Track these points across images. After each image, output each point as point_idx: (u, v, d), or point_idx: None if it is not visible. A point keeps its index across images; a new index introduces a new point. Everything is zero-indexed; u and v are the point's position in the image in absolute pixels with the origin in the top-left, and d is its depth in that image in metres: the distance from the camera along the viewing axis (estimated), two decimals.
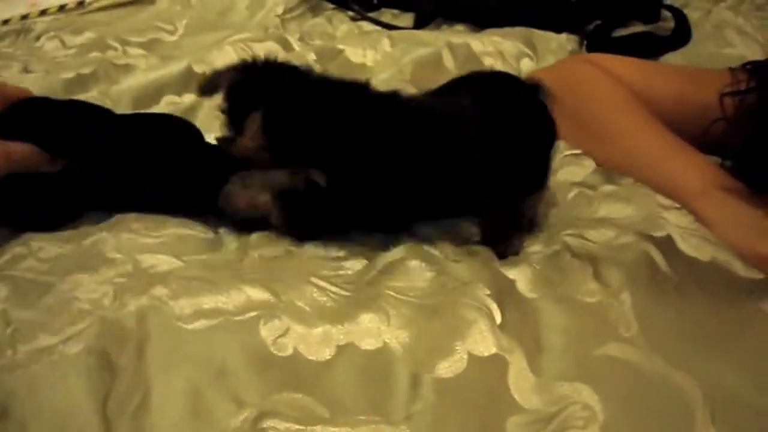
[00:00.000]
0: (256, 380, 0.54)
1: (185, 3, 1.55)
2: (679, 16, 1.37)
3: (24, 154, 0.70)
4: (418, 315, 0.60)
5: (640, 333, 0.61)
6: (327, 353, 0.56)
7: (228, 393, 0.53)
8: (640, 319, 0.62)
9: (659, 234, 0.71)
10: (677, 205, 0.77)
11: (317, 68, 0.94)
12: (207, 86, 0.73)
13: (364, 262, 0.68)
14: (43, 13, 1.48)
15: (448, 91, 0.75)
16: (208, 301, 0.59)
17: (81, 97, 1.04)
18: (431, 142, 0.67)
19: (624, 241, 0.69)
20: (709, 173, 0.82)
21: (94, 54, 1.24)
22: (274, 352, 0.56)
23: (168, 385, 0.54)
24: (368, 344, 0.57)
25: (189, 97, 1.06)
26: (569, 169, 0.85)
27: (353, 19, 1.48)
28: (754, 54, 1.19)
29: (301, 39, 1.26)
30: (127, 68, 1.13)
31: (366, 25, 1.45)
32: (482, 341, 0.58)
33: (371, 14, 1.49)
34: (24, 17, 1.46)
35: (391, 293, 0.62)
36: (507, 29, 1.30)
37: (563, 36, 1.32)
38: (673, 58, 1.28)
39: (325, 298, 0.61)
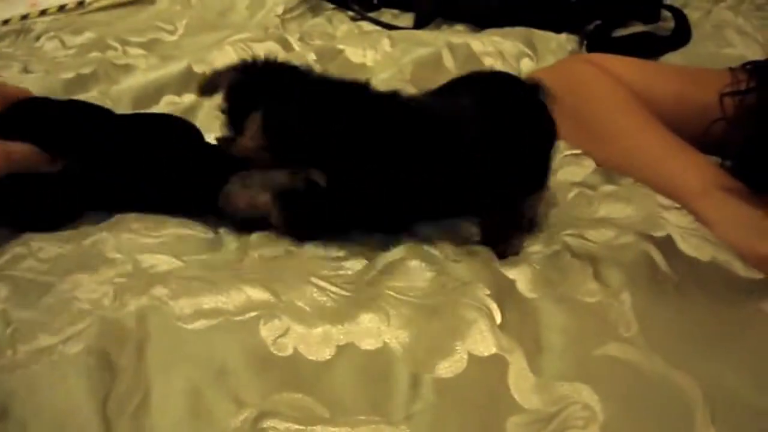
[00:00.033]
0: (256, 380, 0.54)
1: (185, 3, 1.55)
2: (679, 16, 1.37)
3: (24, 154, 0.69)
4: (418, 315, 0.60)
5: (640, 333, 0.61)
6: (327, 353, 0.56)
7: (228, 393, 0.53)
8: (640, 319, 0.62)
9: (659, 234, 0.71)
10: (677, 205, 0.77)
11: (317, 68, 0.94)
12: (207, 86, 0.72)
13: (364, 262, 0.68)
14: (43, 13, 1.48)
15: (448, 91, 0.75)
16: (208, 301, 0.59)
17: (81, 97, 1.04)
18: (431, 142, 0.67)
19: (624, 241, 0.69)
20: (709, 173, 0.82)
21: (94, 54, 1.24)
22: (274, 352, 0.56)
23: (168, 385, 0.54)
24: (368, 344, 0.57)
25: (189, 97, 1.06)
26: (569, 169, 0.85)
27: (353, 19, 1.48)
28: (754, 54, 1.19)
29: (301, 39, 1.26)
30: (127, 68, 1.13)
31: (366, 25, 1.45)
32: (482, 341, 0.58)
33: (371, 14, 1.48)
34: (24, 17, 1.46)
35: (391, 293, 0.62)
36: (507, 29, 1.30)
37: (563, 36, 1.32)
38: (673, 58, 1.28)
39: (325, 298, 0.61)
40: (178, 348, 0.57)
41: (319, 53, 1.16)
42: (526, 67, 1.19)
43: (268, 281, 0.62)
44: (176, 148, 0.76)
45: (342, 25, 1.45)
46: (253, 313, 0.59)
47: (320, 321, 0.58)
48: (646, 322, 0.62)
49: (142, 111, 1.00)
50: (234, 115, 0.70)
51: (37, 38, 1.35)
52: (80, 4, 1.52)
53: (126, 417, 0.52)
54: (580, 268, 0.67)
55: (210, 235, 0.73)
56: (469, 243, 0.71)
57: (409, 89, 0.98)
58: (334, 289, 0.62)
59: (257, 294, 0.60)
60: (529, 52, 1.22)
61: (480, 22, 1.39)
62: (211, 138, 0.78)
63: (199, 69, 1.09)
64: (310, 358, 0.56)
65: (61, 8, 1.50)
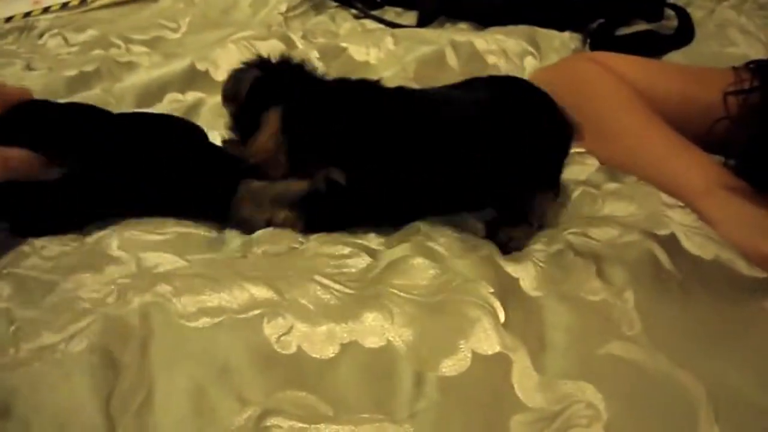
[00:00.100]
0: (259, 378, 0.54)
1: (188, 1, 1.55)
2: (682, 14, 1.37)
3: (22, 160, 0.68)
4: (421, 313, 0.60)
5: (643, 331, 0.61)
6: (330, 351, 0.56)
7: (231, 391, 0.53)
8: (643, 318, 0.62)
9: (663, 232, 0.71)
10: (681, 204, 0.77)
11: (320, 66, 0.94)
12: (230, 93, 0.73)
13: (368, 259, 0.67)
14: (46, 10, 1.48)
15: (465, 89, 0.76)
16: (212, 299, 0.59)
17: (84, 94, 1.04)
18: (449, 138, 0.69)
19: (628, 240, 0.69)
20: (712, 172, 0.82)
21: (97, 52, 1.24)
22: (278, 350, 0.56)
23: (171, 383, 0.54)
24: (372, 342, 0.57)
25: (192, 95, 1.06)
26: (573, 167, 0.85)
27: (356, 17, 1.48)
28: (757, 53, 1.19)
29: (304, 37, 1.26)
30: (130, 66, 1.13)
31: (369, 23, 1.45)
32: (486, 339, 0.58)
33: (374, 12, 1.49)
34: (27, 15, 1.46)
35: (395, 291, 0.62)
36: (510, 27, 1.30)
37: (566, 34, 1.32)
38: (676, 56, 1.28)
39: (328, 296, 0.61)
40: (181, 346, 0.56)
41: (322, 51, 1.16)
42: (529, 65, 1.19)
43: (271, 279, 0.62)
44: (178, 148, 0.75)
45: (345, 23, 1.45)
46: (256, 311, 0.58)
47: (324, 319, 0.58)
48: (649, 321, 0.62)
49: (144, 111, 0.99)
50: (246, 115, 0.70)
51: (40, 36, 1.35)
52: (83, 2, 1.52)
53: (129, 415, 0.52)
54: (584, 267, 0.67)
55: (213, 233, 0.73)
56: (473, 239, 0.71)
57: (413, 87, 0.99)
58: (337, 287, 0.62)
59: (261, 292, 0.60)
60: (533, 51, 1.22)
61: (483, 20, 1.39)
62: (215, 137, 0.78)
63: (202, 67, 1.09)
64: (314, 356, 0.56)
65: (64, 5, 1.50)
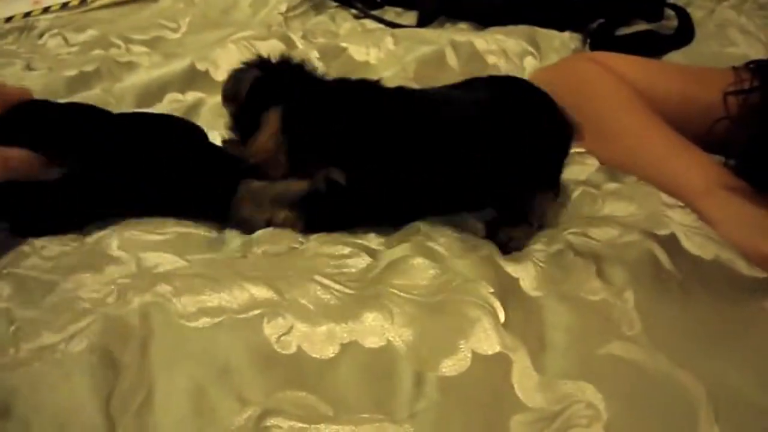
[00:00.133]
0: (259, 378, 0.54)
1: (188, 1, 1.55)
2: (682, 14, 1.37)
3: (22, 160, 0.67)
4: (421, 313, 0.60)
5: (643, 332, 0.61)
6: (330, 351, 0.56)
7: (231, 391, 0.53)
8: (643, 318, 0.62)
9: (663, 232, 0.71)
10: (681, 204, 0.77)
11: (320, 66, 0.94)
12: (231, 93, 0.73)
13: (368, 259, 0.67)
14: (46, 10, 1.48)
15: (465, 89, 0.77)
16: (212, 299, 0.59)
17: (84, 94, 1.04)
18: (450, 137, 0.70)
19: (628, 240, 0.69)
20: (712, 172, 0.82)
21: (97, 51, 1.24)
22: (278, 350, 0.56)
23: (171, 383, 0.54)
24: (372, 342, 0.57)
25: (192, 95, 1.06)
26: (573, 167, 0.85)
27: (356, 17, 1.48)
28: (757, 53, 1.19)
29: (304, 37, 1.26)
30: (130, 66, 1.13)
31: (369, 23, 1.45)
32: (486, 339, 0.58)
33: (374, 12, 1.49)
34: (27, 15, 1.46)
35: (395, 291, 0.62)
36: (510, 27, 1.30)
37: (566, 34, 1.32)
38: (676, 56, 1.28)
39: (328, 296, 0.61)
40: (181, 346, 0.56)
41: (322, 51, 1.16)
42: (529, 65, 1.19)
43: (271, 279, 0.62)
44: (178, 148, 0.75)
45: (345, 23, 1.45)
46: (256, 311, 0.58)
47: (324, 319, 0.58)
48: (649, 321, 0.62)
49: (144, 111, 0.98)
50: (246, 115, 0.70)
51: (40, 36, 1.35)
52: (83, 2, 1.52)
53: (129, 415, 0.52)
54: (584, 267, 0.67)
55: (213, 233, 0.73)
56: (473, 239, 0.71)
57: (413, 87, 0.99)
58: (337, 287, 0.62)
59: (261, 292, 0.60)
60: (533, 51, 1.22)
61: (483, 20, 1.39)
62: (215, 137, 0.78)
63: (202, 67, 1.09)
64: (314, 356, 0.56)
65: (64, 5, 1.50)
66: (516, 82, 0.82)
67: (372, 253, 0.69)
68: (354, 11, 1.49)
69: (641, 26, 1.39)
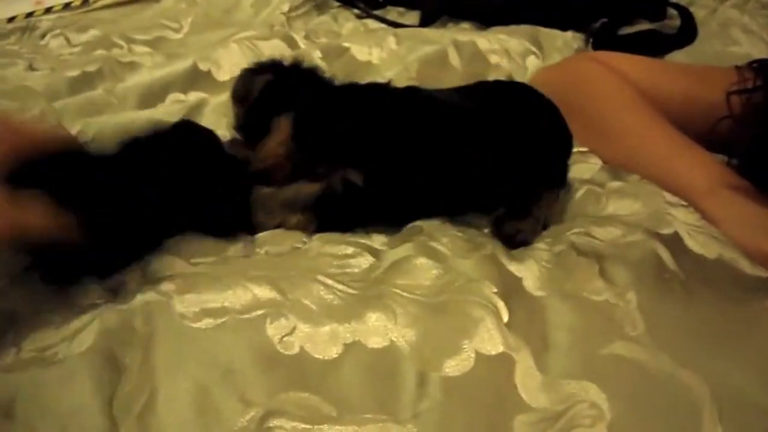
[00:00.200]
0: (262, 379, 0.54)
1: (190, 1, 1.55)
2: (685, 14, 1.37)
3: (39, 224, 0.57)
4: (425, 313, 0.60)
5: (646, 332, 0.61)
6: (334, 352, 0.56)
7: (234, 392, 0.53)
8: (646, 318, 0.62)
9: (666, 231, 0.70)
10: (684, 202, 0.76)
11: (323, 66, 0.94)
12: (240, 94, 0.73)
13: (371, 259, 0.67)
14: (48, 10, 1.49)
15: (472, 92, 0.78)
16: (215, 300, 0.59)
17: (86, 95, 1.04)
18: (461, 138, 0.71)
19: (631, 239, 0.69)
20: (715, 171, 0.82)
21: (100, 52, 1.24)
22: (281, 350, 0.56)
23: (174, 384, 0.54)
24: (375, 342, 0.57)
25: (194, 95, 1.06)
26: (578, 166, 0.85)
27: (359, 17, 1.48)
28: (760, 52, 1.19)
29: (306, 37, 1.25)
30: (133, 66, 1.13)
31: (371, 23, 1.45)
32: (489, 339, 0.58)
33: (377, 12, 1.48)
34: (29, 15, 1.46)
35: (398, 291, 0.62)
36: (513, 27, 1.30)
37: (569, 34, 1.31)
38: (678, 56, 1.28)
39: (331, 296, 0.61)
40: (184, 347, 0.56)
41: (324, 51, 1.16)
42: (532, 65, 1.19)
43: (274, 279, 0.62)
44: (192, 170, 0.71)
45: (347, 23, 1.45)
46: (259, 312, 0.58)
47: (327, 319, 0.58)
48: (652, 321, 0.62)
49: (160, 126, 0.82)
50: (255, 118, 0.70)
51: (43, 36, 1.35)
52: (85, 2, 1.52)
53: (132, 416, 0.52)
54: (587, 266, 0.67)
55: None
56: (476, 238, 0.71)
57: None
58: (340, 287, 0.62)
59: (264, 292, 0.60)
60: (535, 50, 1.22)
61: (486, 20, 1.39)
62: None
63: (204, 67, 1.09)
64: (317, 356, 0.56)
65: (66, 6, 1.50)
66: (520, 87, 0.83)
67: (375, 253, 0.69)
68: (356, 11, 1.49)
69: (644, 26, 1.39)
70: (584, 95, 0.94)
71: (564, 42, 1.28)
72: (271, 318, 0.58)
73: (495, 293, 0.62)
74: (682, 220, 0.73)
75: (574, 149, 0.86)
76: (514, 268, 0.67)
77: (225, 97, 0.97)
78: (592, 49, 1.32)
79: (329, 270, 0.65)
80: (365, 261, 0.67)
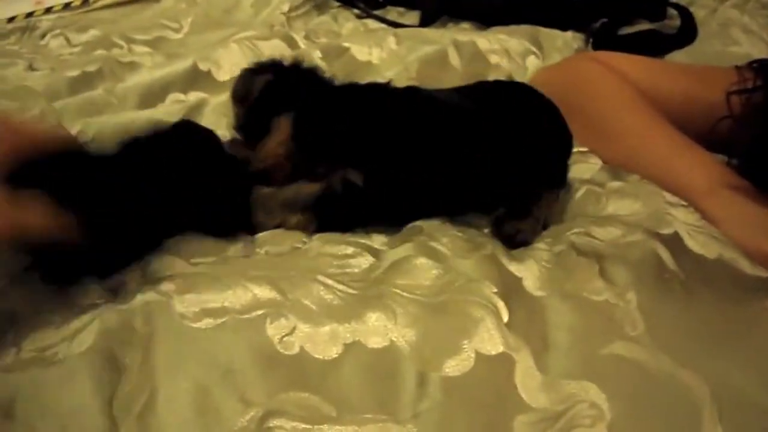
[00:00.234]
0: (262, 379, 0.54)
1: (190, 1, 1.55)
2: (685, 14, 1.37)
3: (39, 223, 0.57)
4: (425, 313, 0.60)
5: (646, 332, 0.61)
6: (334, 352, 0.56)
7: (234, 392, 0.53)
8: (646, 318, 0.62)
9: (666, 231, 0.70)
10: (684, 202, 0.76)
11: (323, 66, 0.94)
12: (240, 93, 0.73)
13: (371, 259, 0.67)
14: (48, 10, 1.49)
15: (472, 92, 0.78)
16: (215, 300, 0.59)
17: (86, 95, 1.04)
18: (461, 138, 0.72)
19: (631, 240, 0.69)
20: (715, 172, 0.82)
21: (100, 52, 1.24)
22: (281, 350, 0.56)
23: (174, 385, 0.54)
24: (375, 343, 0.57)
25: (194, 95, 1.06)
26: (578, 166, 0.85)
27: (359, 17, 1.48)
28: (760, 52, 1.19)
29: (306, 37, 1.25)
30: (133, 66, 1.13)
31: (371, 23, 1.45)
32: (489, 340, 0.58)
33: (377, 12, 1.48)
34: (29, 15, 1.46)
35: (398, 291, 0.62)
36: (513, 27, 1.30)
37: (569, 34, 1.31)
38: (678, 56, 1.28)
39: (331, 296, 0.60)
40: (184, 347, 0.56)
41: (324, 51, 1.16)
42: (532, 65, 1.19)
43: (274, 279, 0.62)
44: (190, 167, 0.70)
45: (347, 23, 1.45)
46: (259, 312, 0.58)
47: (327, 319, 0.58)
48: (652, 321, 0.62)
49: (160, 126, 0.79)
50: (255, 118, 0.70)
51: (43, 36, 1.35)
52: (85, 2, 1.52)
53: (132, 416, 0.52)
54: (587, 267, 0.67)
55: None
56: (476, 238, 0.71)
57: None
58: (340, 287, 0.62)
59: (264, 292, 0.60)
60: (535, 50, 1.22)
61: (486, 20, 1.39)
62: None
63: (204, 67, 1.09)
64: (317, 356, 0.56)
65: (66, 6, 1.50)
66: (520, 88, 0.83)
67: (375, 253, 0.68)
68: (356, 11, 1.49)
69: (644, 26, 1.39)
70: (584, 95, 0.94)
71: (564, 42, 1.28)
72: (271, 318, 0.58)
73: (495, 293, 0.62)
74: (682, 220, 0.73)
75: (574, 149, 0.86)
76: (514, 268, 0.67)
77: (225, 97, 0.97)
78: (592, 49, 1.32)
79: (329, 270, 0.65)
80: (365, 261, 0.67)
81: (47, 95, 1.04)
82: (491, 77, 1.13)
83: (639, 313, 0.62)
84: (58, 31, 1.35)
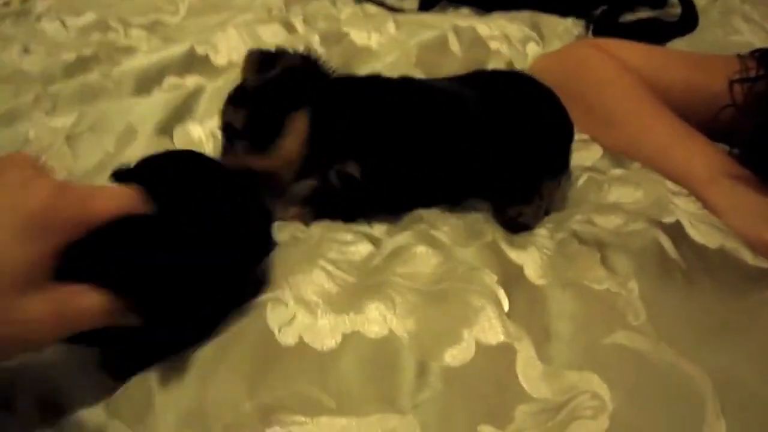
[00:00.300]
0: (262, 370, 0.54)
1: None
2: (686, 2, 1.36)
3: (93, 314, 0.50)
4: (424, 302, 0.59)
5: (648, 321, 0.60)
6: (333, 342, 0.56)
7: (234, 384, 0.53)
8: (648, 307, 0.62)
9: (668, 220, 0.70)
10: (686, 191, 0.76)
11: (322, 51, 0.93)
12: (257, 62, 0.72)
13: (370, 248, 0.67)
14: None
15: (472, 81, 0.78)
16: None
17: (82, 78, 1.03)
18: (463, 127, 0.72)
19: (633, 228, 0.69)
20: (716, 160, 0.81)
21: (96, 35, 1.23)
22: (280, 341, 0.55)
23: (174, 376, 0.54)
24: (374, 332, 0.57)
25: (191, 80, 1.05)
26: (579, 154, 0.84)
27: (357, 1, 1.47)
28: (761, 41, 1.19)
29: (305, 21, 1.25)
30: (129, 50, 1.12)
31: (370, 8, 1.44)
32: (490, 329, 0.57)
33: None
34: None
35: (398, 279, 0.61)
36: (513, 13, 1.30)
37: (569, 20, 1.31)
38: (679, 44, 1.27)
39: (331, 285, 0.60)
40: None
41: (323, 36, 1.15)
42: (532, 51, 1.18)
43: (274, 266, 0.61)
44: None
45: (346, 7, 1.44)
46: (260, 298, 0.58)
47: (326, 309, 0.58)
48: (654, 310, 0.61)
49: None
50: (264, 118, 0.69)
51: (38, 19, 1.34)
52: None
53: (131, 410, 0.52)
54: (589, 255, 0.67)
55: None
56: (476, 226, 0.71)
57: (415, 72, 0.98)
58: (340, 274, 0.61)
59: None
60: (536, 37, 1.22)
61: (485, 5, 1.39)
62: (215, 123, 0.77)
63: (201, 51, 1.08)
64: (316, 347, 0.55)
65: None
66: (519, 77, 0.83)
67: (375, 241, 0.68)
68: None
69: (645, 13, 1.39)
70: (584, 82, 0.94)
71: (564, 28, 1.28)
72: (272, 303, 0.58)
73: (495, 282, 0.61)
74: (684, 209, 0.72)
75: (576, 137, 0.86)
76: (514, 255, 0.66)
77: (222, 82, 0.96)
78: (593, 35, 1.31)
79: (329, 255, 0.64)
80: (365, 248, 0.67)
81: (42, 79, 1.04)
82: (491, 63, 1.12)
83: (641, 302, 0.62)
84: (53, 14, 1.34)
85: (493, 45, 1.17)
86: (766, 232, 0.72)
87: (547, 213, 0.75)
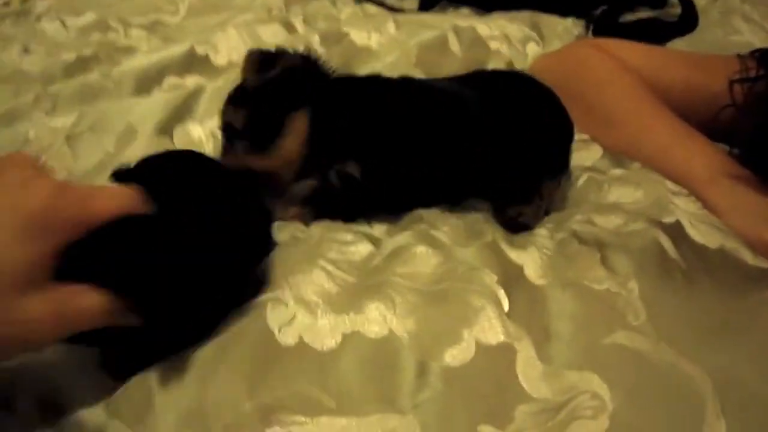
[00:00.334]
0: (262, 370, 0.54)
1: None
2: (686, 2, 1.37)
3: (93, 314, 0.50)
4: (424, 302, 0.59)
5: (648, 321, 0.60)
6: (333, 342, 0.56)
7: (234, 384, 0.53)
8: (648, 307, 0.61)
9: (669, 220, 0.70)
10: (686, 191, 0.76)
11: (322, 51, 0.93)
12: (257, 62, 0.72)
13: (370, 248, 0.67)
14: None
15: (473, 81, 0.78)
16: None
17: (82, 78, 1.03)
18: (463, 128, 0.72)
19: (633, 228, 0.69)
20: (716, 160, 0.81)
21: (96, 35, 1.23)
22: (280, 341, 0.55)
23: (174, 376, 0.53)
24: (374, 332, 0.57)
25: (191, 79, 1.05)
26: (579, 154, 0.84)
27: (357, 1, 1.47)
28: (761, 41, 1.19)
29: (305, 21, 1.24)
30: (129, 50, 1.12)
31: (370, 8, 1.44)
32: (490, 329, 0.57)
33: None
34: None
35: (398, 279, 0.61)
36: (513, 13, 1.30)
37: (569, 20, 1.31)
38: (679, 44, 1.27)
39: (331, 285, 0.60)
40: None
41: (323, 36, 1.15)
42: (532, 51, 1.18)
43: (274, 266, 0.61)
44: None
45: (346, 7, 1.44)
46: (260, 298, 0.58)
47: (326, 309, 0.58)
48: (654, 310, 0.61)
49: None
50: (263, 118, 0.69)
51: (38, 19, 1.34)
52: None
53: (132, 409, 0.52)
54: (589, 255, 0.67)
55: None
56: (476, 226, 0.70)
57: (415, 72, 0.98)
58: (340, 274, 0.61)
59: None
60: (536, 36, 1.22)
61: (485, 5, 1.39)
62: (215, 122, 0.77)
63: (201, 51, 1.08)
64: (316, 347, 0.55)
65: None
66: (519, 77, 0.83)
67: (375, 241, 0.68)
68: None
69: (645, 13, 1.39)
70: (584, 82, 0.94)
71: (564, 28, 1.28)
72: (272, 303, 0.58)
73: (495, 282, 0.61)
74: (684, 208, 0.72)
75: (576, 137, 0.85)
76: (514, 255, 0.66)
77: (222, 82, 0.96)
78: (593, 35, 1.31)
79: (330, 255, 0.64)
80: (365, 248, 0.67)
81: (42, 79, 1.04)
82: (491, 63, 1.12)
83: (641, 302, 0.62)
84: (53, 14, 1.34)
85: (493, 45, 1.17)
86: (766, 232, 0.72)
87: (547, 213, 0.75)
